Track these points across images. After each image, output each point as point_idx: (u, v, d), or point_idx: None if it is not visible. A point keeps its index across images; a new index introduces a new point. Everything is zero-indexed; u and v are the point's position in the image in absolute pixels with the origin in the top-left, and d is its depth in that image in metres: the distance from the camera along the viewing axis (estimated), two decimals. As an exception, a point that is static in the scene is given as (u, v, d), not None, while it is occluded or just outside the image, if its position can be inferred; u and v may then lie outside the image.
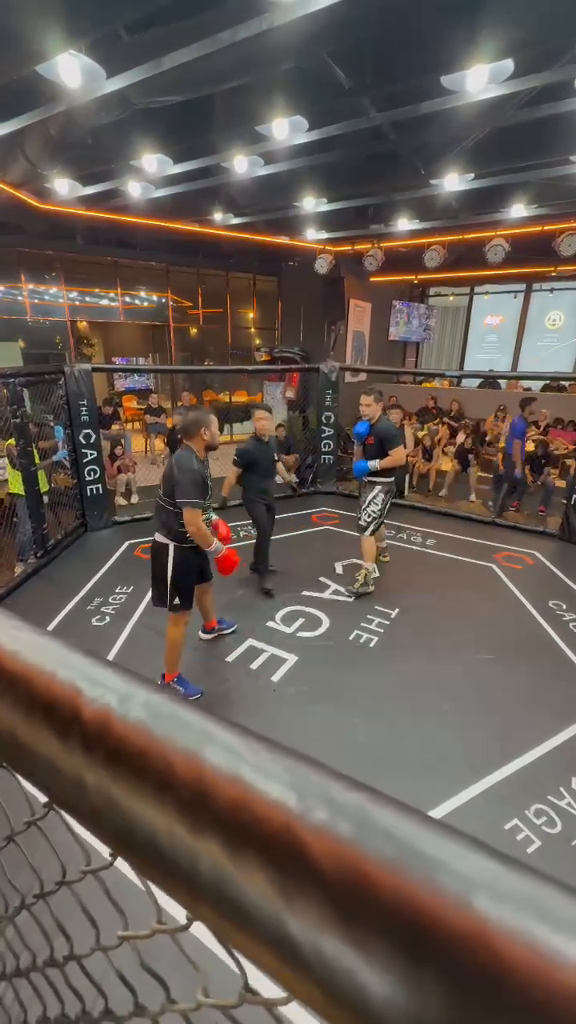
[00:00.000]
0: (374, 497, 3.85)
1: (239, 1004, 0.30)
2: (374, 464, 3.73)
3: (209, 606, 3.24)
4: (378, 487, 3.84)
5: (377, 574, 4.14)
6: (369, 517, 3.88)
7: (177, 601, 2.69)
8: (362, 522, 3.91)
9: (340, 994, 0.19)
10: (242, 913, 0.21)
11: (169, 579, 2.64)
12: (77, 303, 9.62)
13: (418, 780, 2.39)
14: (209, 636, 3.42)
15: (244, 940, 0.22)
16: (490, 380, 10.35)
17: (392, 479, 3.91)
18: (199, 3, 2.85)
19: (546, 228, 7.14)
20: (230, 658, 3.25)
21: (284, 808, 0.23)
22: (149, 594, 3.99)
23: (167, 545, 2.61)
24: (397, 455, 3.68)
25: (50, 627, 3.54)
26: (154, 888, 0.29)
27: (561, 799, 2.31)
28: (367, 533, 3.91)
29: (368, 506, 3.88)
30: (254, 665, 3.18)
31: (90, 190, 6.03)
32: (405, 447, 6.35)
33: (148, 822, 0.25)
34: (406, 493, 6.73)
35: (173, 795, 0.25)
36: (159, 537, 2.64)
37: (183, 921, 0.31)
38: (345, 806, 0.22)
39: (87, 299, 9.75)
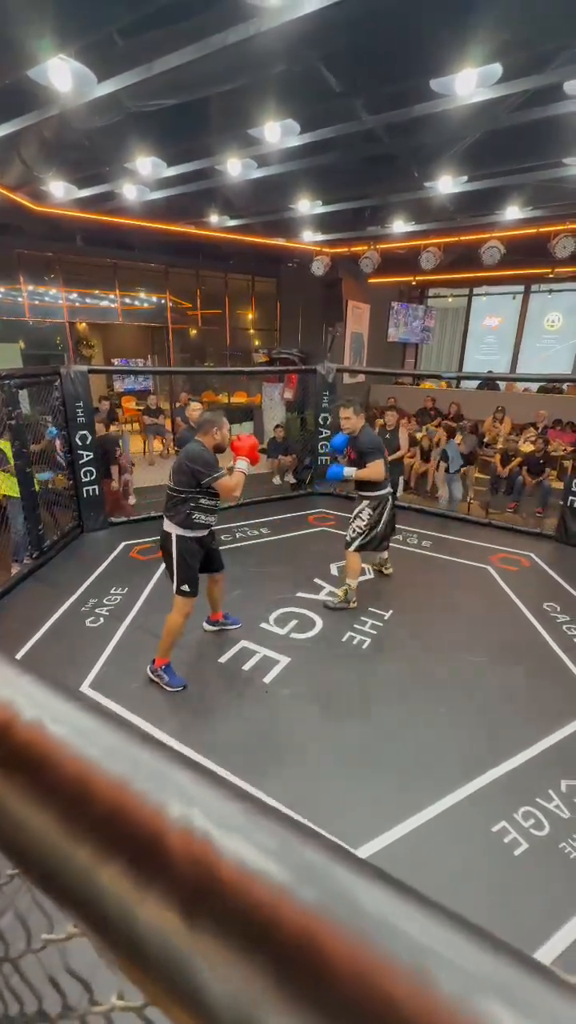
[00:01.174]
0: (359, 512, 3.67)
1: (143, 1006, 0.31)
2: (349, 471, 3.57)
3: (218, 597, 3.36)
4: (364, 501, 3.67)
5: (354, 600, 3.82)
6: (354, 532, 3.69)
7: (186, 587, 2.80)
8: (347, 537, 3.73)
9: (181, 994, 0.19)
10: (100, 913, 0.22)
11: (175, 564, 2.79)
12: (76, 304, 9.65)
13: (409, 781, 2.39)
14: (213, 628, 3.50)
15: (99, 939, 0.22)
16: (489, 382, 10.35)
17: (380, 492, 3.66)
18: (189, 8, 2.87)
19: (541, 230, 7.15)
20: (223, 659, 3.25)
21: (153, 811, 0.23)
22: (143, 596, 4.04)
23: (171, 533, 2.79)
24: (374, 469, 3.50)
25: (43, 628, 3.55)
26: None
27: (550, 802, 2.31)
28: (351, 549, 3.71)
29: (354, 520, 3.71)
30: (247, 666, 3.18)
31: (86, 192, 6.06)
32: (400, 448, 6.42)
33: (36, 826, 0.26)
34: (399, 494, 6.73)
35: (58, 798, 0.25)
36: (166, 524, 2.82)
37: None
38: (206, 803, 0.23)
39: (86, 300, 9.78)
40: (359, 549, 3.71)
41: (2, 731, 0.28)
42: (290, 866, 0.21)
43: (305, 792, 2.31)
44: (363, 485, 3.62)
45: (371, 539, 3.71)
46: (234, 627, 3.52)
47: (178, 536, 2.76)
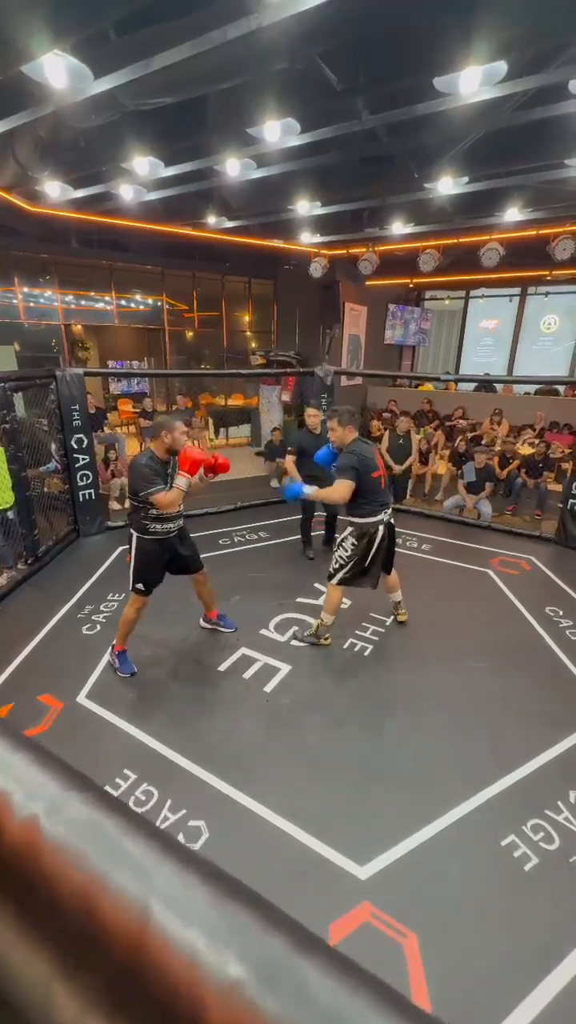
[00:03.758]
0: (342, 540, 3.18)
1: None
2: (309, 490, 3.08)
3: (208, 598, 3.37)
4: (348, 528, 3.16)
5: (328, 635, 3.41)
6: (336, 564, 3.21)
7: (140, 586, 2.95)
8: (330, 568, 3.26)
9: None
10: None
11: (132, 563, 2.94)
12: (72, 306, 9.58)
13: (414, 793, 2.33)
14: (207, 626, 3.53)
15: None
16: (486, 384, 10.35)
17: (366, 520, 3.07)
18: (187, 2, 2.82)
19: (541, 232, 7.14)
20: (222, 667, 3.19)
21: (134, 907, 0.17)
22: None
23: (132, 534, 2.94)
24: (335, 490, 2.98)
25: (39, 636, 3.47)
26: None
27: (559, 813, 2.25)
28: (332, 582, 3.23)
29: (336, 549, 3.22)
30: (247, 675, 3.12)
31: (81, 193, 5.99)
32: (411, 454, 6.33)
33: None
34: (406, 499, 6.68)
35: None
36: (130, 528, 2.97)
37: None
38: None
39: (82, 302, 9.70)
40: (342, 583, 3.22)
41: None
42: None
43: (307, 806, 2.25)
44: (349, 507, 3.10)
45: (355, 574, 3.18)
46: (228, 631, 3.49)
47: (136, 537, 2.92)
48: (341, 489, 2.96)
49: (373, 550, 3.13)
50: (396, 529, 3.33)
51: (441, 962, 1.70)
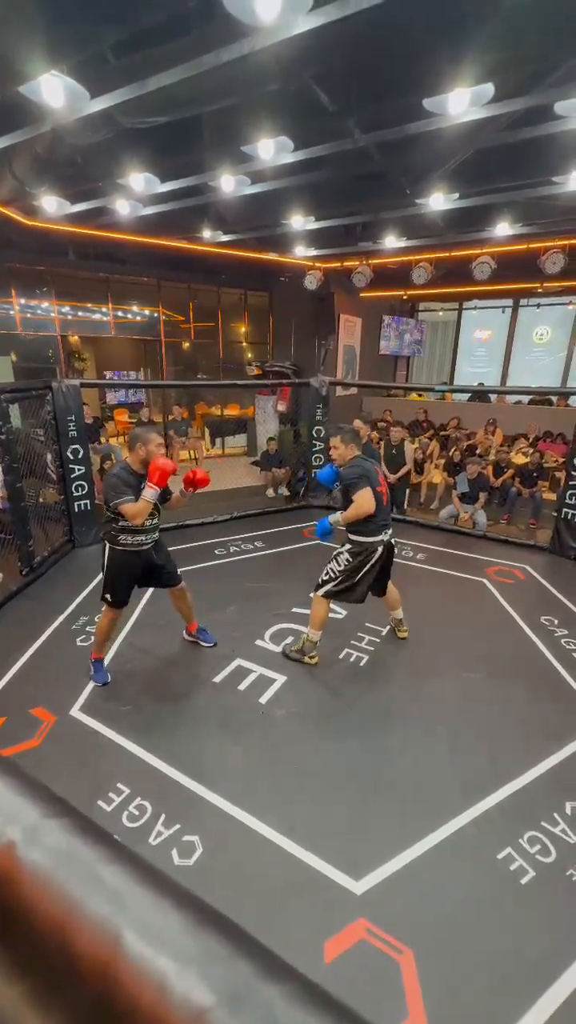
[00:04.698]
0: (338, 554, 3.12)
1: None
2: (336, 518, 3.04)
3: (185, 610, 3.39)
4: (347, 545, 3.08)
5: (315, 654, 3.30)
6: (326, 575, 3.14)
7: (108, 596, 2.98)
8: (319, 578, 3.19)
9: None
10: None
11: (103, 573, 2.98)
12: (69, 317, 9.63)
13: (410, 805, 2.32)
14: (189, 638, 3.55)
15: None
16: (480, 393, 10.45)
17: (367, 539, 3.02)
18: (183, 26, 2.89)
19: (531, 246, 7.27)
20: (217, 679, 3.17)
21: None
22: (136, 614, 3.95)
23: (105, 544, 2.96)
24: (359, 503, 2.92)
25: (33, 648, 3.45)
26: None
27: (555, 825, 2.24)
28: (318, 593, 3.16)
29: (330, 561, 3.15)
30: (242, 686, 3.11)
31: (78, 207, 6.06)
32: (406, 463, 6.36)
33: None
34: (405, 507, 6.71)
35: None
36: (103, 538, 3.00)
37: None
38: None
39: (78, 314, 9.77)
40: (329, 596, 3.14)
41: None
42: None
43: (302, 820, 2.23)
44: (354, 526, 3.05)
45: (345, 589, 3.11)
46: (207, 645, 3.47)
47: (108, 548, 2.94)
48: (362, 500, 2.92)
49: (366, 569, 3.07)
50: (394, 540, 3.31)
51: (438, 978, 1.68)
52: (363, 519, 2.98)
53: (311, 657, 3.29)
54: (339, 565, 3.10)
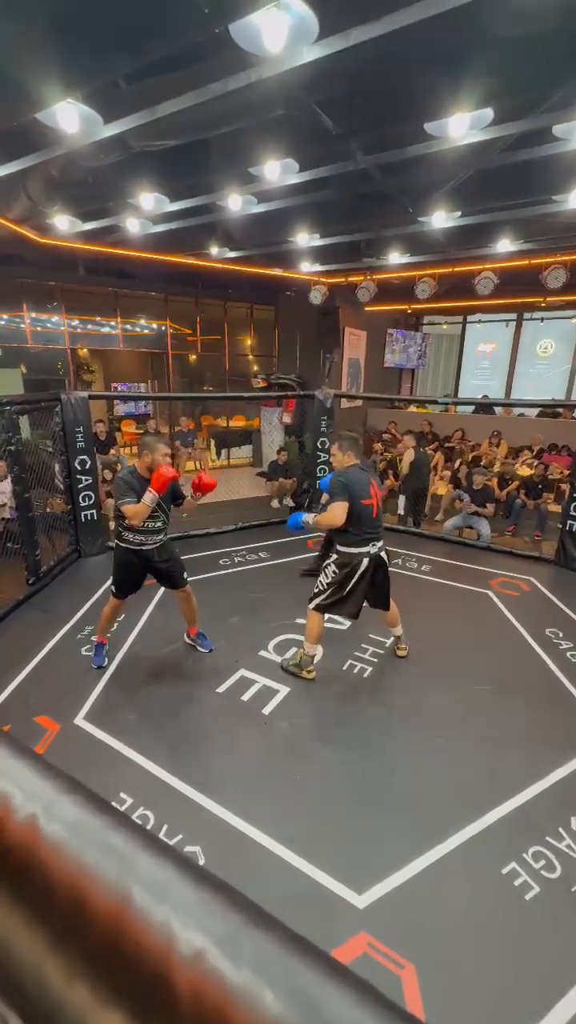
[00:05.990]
0: (326, 566, 3.10)
1: None
2: (308, 517, 3.08)
3: (188, 614, 3.51)
4: (333, 556, 3.06)
5: (314, 663, 3.28)
6: (316, 587, 3.12)
7: (112, 588, 3.25)
8: (312, 592, 3.17)
9: None
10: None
11: (113, 568, 3.23)
12: (78, 331, 9.83)
13: (412, 819, 2.30)
14: (188, 641, 3.66)
15: None
16: (484, 406, 10.50)
17: (351, 550, 2.98)
18: (192, 56, 3.01)
19: (533, 261, 7.36)
20: (221, 689, 3.18)
21: (159, 943, 0.21)
22: (141, 623, 3.98)
23: (116, 541, 3.20)
24: (329, 513, 2.92)
25: (39, 656, 3.48)
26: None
27: (560, 840, 2.22)
28: (310, 605, 3.15)
29: (319, 574, 3.15)
30: (245, 697, 3.11)
31: (89, 226, 6.23)
32: (400, 468, 6.41)
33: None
34: (399, 511, 6.76)
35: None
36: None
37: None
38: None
39: (88, 327, 9.96)
40: (320, 609, 3.13)
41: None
42: None
43: (305, 832, 2.23)
44: (336, 533, 3.04)
45: (334, 602, 3.08)
46: (203, 650, 3.57)
47: (116, 544, 3.19)
48: (335, 511, 2.91)
49: (353, 581, 3.02)
50: (397, 550, 3.25)
51: (440, 994, 1.66)
52: (344, 530, 2.97)
53: (308, 671, 3.26)
54: (326, 578, 3.09)
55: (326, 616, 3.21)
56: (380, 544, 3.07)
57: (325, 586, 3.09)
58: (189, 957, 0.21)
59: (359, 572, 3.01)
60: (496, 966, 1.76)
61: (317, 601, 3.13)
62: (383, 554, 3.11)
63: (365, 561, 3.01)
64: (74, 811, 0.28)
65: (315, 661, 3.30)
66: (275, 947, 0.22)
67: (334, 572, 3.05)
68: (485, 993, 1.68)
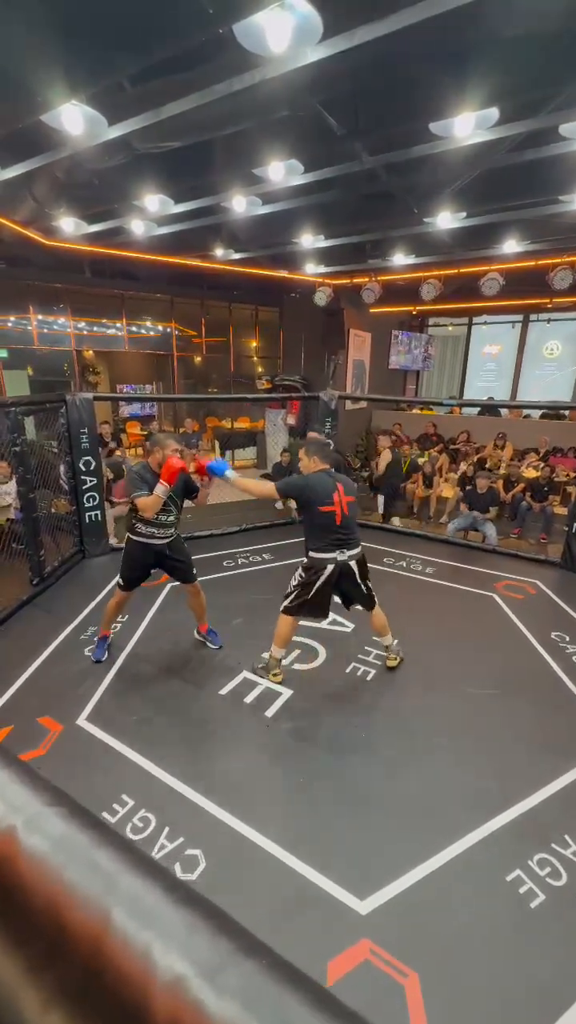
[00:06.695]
0: (297, 569, 3.08)
1: None
2: (231, 474, 3.10)
3: (197, 609, 3.57)
4: (303, 559, 3.06)
5: (281, 667, 3.24)
6: (287, 590, 3.11)
7: (120, 581, 3.29)
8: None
9: None
10: None
11: (122, 559, 3.29)
12: (84, 333, 9.88)
13: (416, 825, 2.27)
14: (199, 637, 3.70)
15: None
16: (489, 408, 10.45)
17: (318, 556, 2.94)
18: (196, 57, 3.01)
19: (539, 262, 7.32)
20: (223, 691, 3.17)
21: (138, 967, 0.20)
22: (144, 624, 3.98)
23: (127, 534, 3.26)
24: (257, 484, 3.14)
25: (42, 657, 3.48)
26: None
27: (566, 848, 2.19)
28: (280, 607, 3.12)
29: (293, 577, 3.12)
30: (248, 699, 3.09)
31: (95, 228, 6.26)
32: (377, 468, 6.44)
33: None
34: (379, 510, 6.83)
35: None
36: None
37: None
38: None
39: (93, 329, 10.01)
40: (289, 612, 3.09)
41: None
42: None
43: (307, 836, 2.21)
44: (305, 538, 3.05)
45: (300, 604, 3.04)
46: (213, 647, 3.61)
47: (128, 537, 3.25)
48: (261, 485, 3.13)
49: (316, 586, 2.96)
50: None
51: (443, 1003, 1.63)
52: (309, 533, 3.01)
53: (275, 675, 3.21)
54: (294, 580, 3.09)
55: (298, 621, 3.16)
56: (351, 552, 2.97)
57: (292, 588, 3.09)
58: (169, 984, 0.20)
59: (323, 577, 2.96)
60: (501, 975, 1.73)
61: (285, 603, 3.11)
62: (353, 563, 3.00)
63: (330, 567, 2.94)
64: (59, 825, 0.27)
65: (282, 664, 3.27)
66: (262, 976, 0.20)
67: (300, 575, 3.05)
68: (489, 1003, 1.65)
